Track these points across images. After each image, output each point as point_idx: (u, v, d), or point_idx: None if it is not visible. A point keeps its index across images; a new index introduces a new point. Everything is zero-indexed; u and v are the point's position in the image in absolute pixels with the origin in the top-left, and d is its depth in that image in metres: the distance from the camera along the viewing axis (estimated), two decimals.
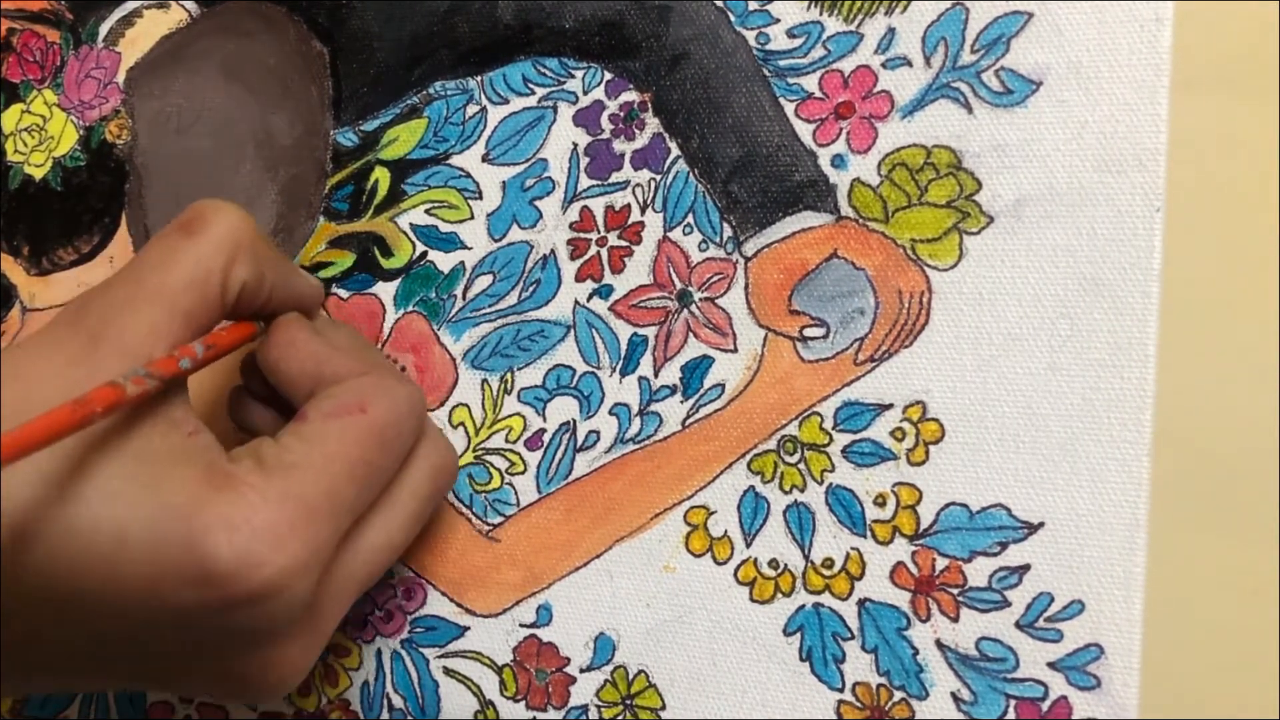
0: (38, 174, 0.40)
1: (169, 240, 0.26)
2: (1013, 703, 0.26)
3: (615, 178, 0.31)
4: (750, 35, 0.30)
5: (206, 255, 0.26)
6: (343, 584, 0.26)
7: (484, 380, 0.32)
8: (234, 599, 0.23)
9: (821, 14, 0.29)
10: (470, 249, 0.33)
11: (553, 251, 0.32)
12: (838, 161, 0.29)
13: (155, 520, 0.23)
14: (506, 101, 0.33)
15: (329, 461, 0.24)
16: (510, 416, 0.32)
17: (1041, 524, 0.26)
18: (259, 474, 0.24)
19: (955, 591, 0.27)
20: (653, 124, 0.31)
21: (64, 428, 0.21)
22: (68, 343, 0.24)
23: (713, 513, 0.29)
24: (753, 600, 0.29)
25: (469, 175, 0.33)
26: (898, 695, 0.27)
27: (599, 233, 0.31)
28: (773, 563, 0.28)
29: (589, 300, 0.31)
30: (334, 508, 0.24)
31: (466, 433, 0.32)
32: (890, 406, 0.28)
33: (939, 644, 0.27)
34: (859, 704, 0.27)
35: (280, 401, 0.29)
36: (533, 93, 0.33)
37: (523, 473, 0.31)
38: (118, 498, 0.23)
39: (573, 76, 0.32)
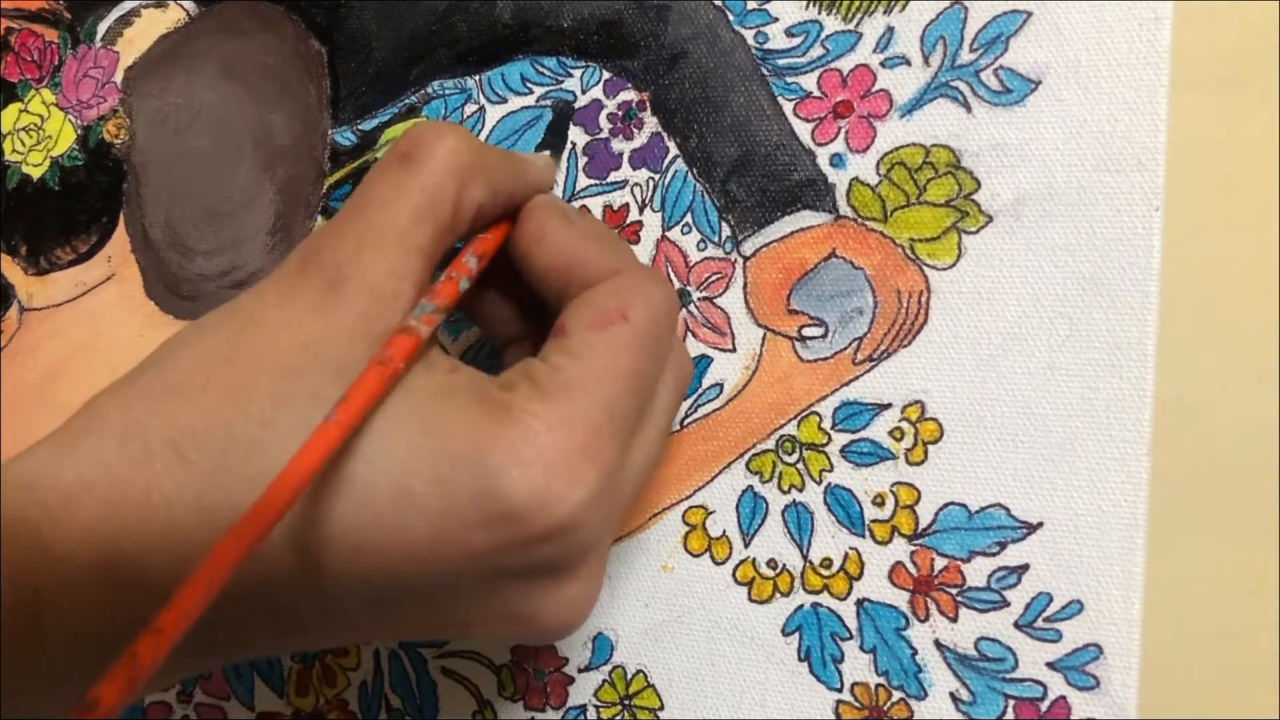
0: (35, 173, 0.40)
1: (390, 174, 0.24)
2: (1011, 703, 0.26)
3: (614, 177, 0.31)
4: (749, 34, 0.30)
5: (433, 185, 0.24)
6: (618, 507, 0.25)
7: None
8: (534, 537, 0.21)
9: (820, 13, 0.29)
10: None
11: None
12: (836, 160, 0.29)
13: (439, 467, 0.21)
14: (505, 101, 0.33)
15: (604, 376, 0.23)
16: None
17: (1040, 524, 0.26)
18: (539, 400, 0.22)
19: (954, 591, 0.27)
20: (651, 123, 0.31)
21: (379, 392, 0.20)
22: (302, 290, 0.23)
23: (711, 512, 0.29)
24: (751, 600, 0.28)
25: None
26: (896, 695, 0.27)
27: None
28: (771, 562, 0.28)
29: None
30: (617, 425, 0.23)
31: None
32: (889, 406, 0.28)
33: (938, 644, 0.27)
34: (857, 704, 0.27)
35: (520, 296, 0.28)
36: (531, 92, 0.33)
37: None
38: (393, 445, 0.21)
39: (571, 76, 0.32)
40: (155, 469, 0.21)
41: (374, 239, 0.23)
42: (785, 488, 0.28)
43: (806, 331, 0.29)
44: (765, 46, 0.30)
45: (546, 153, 0.31)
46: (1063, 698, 0.25)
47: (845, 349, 0.28)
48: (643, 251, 0.31)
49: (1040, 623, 0.26)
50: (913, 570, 0.27)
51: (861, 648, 0.27)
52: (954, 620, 0.26)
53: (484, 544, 0.21)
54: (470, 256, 0.25)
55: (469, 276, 0.24)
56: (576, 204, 0.31)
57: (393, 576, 0.22)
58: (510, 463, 0.21)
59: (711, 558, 0.29)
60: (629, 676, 0.30)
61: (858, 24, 0.29)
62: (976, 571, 0.26)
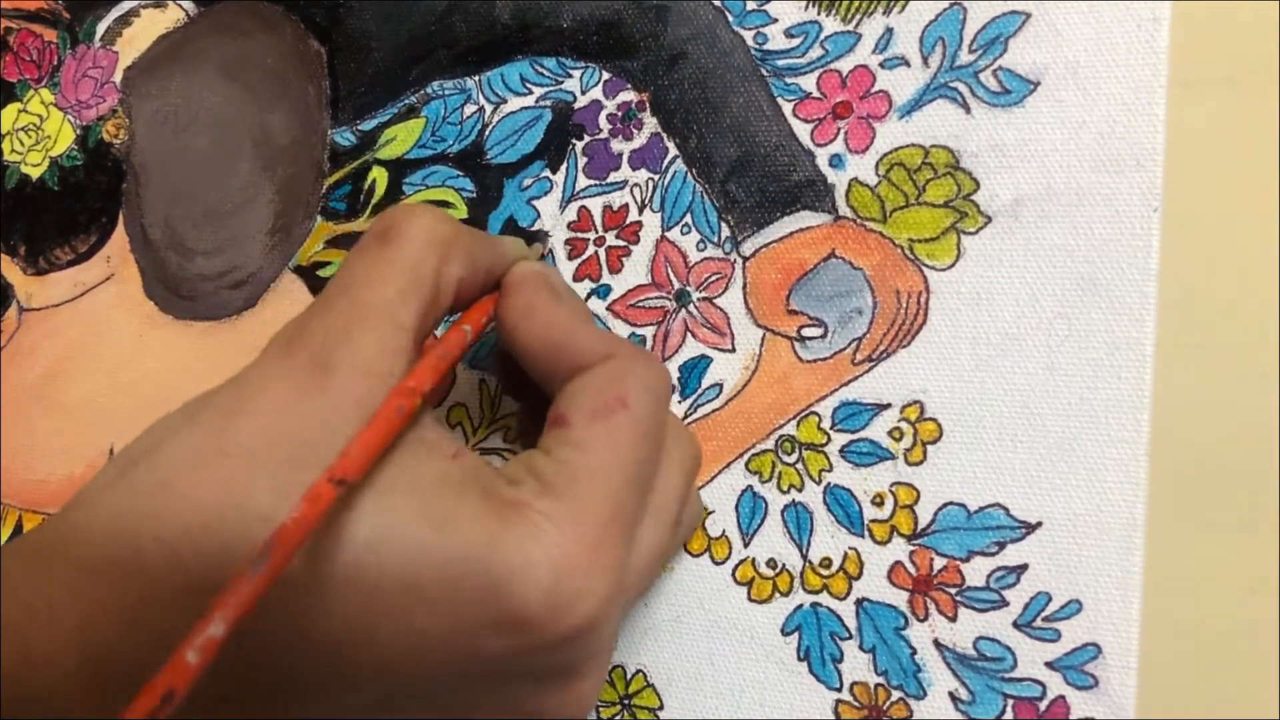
0: (35, 173, 0.40)
1: (370, 252, 0.24)
2: (1010, 702, 0.26)
3: (613, 177, 0.31)
4: (748, 35, 0.30)
5: (414, 261, 0.24)
6: (627, 602, 0.24)
7: (481, 380, 0.32)
8: (546, 643, 0.21)
9: (819, 14, 0.29)
10: None
11: (550, 251, 0.32)
12: (835, 161, 0.29)
13: (448, 563, 0.21)
14: (504, 101, 0.33)
15: (610, 469, 0.23)
16: (507, 416, 0.32)
17: (1039, 524, 0.26)
18: (545, 497, 0.22)
19: (953, 591, 0.27)
20: (650, 124, 0.31)
21: (381, 443, 0.20)
22: (292, 374, 0.22)
23: (711, 512, 0.29)
24: (750, 600, 0.28)
25: (467, 175, 0.33)
26: (895, 695, 0.27)
27: (597, 232, 0.31)
28: (770, 562, 0.28)
29: (587, 300, 0.31)
30: (623, 521, 0.23)
31: (464, 432, 0.32)
32: (888, 406, 0.28)
33: (937, 643, 0.27)
34: (857, 703, 0.27)
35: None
36: (530, 92, 0.33)
37: None
38: (400, 537, 0.21)
39: (570, 76, 0.32)
40: (148, 570, 0.20)
41: (360, 317, 0.23)
42: (784, 488, 0.28)
43: (806, 332, 0.29)
44: (765, 47, 0.30)
45: (524, 241, 0.30)
46: (1061, 697, 0.25)
47: (844, 349, 0.28)
48: (642, 251, 0.31)
49: (1039, 622, 0.26)
50: (912, 570, 0.27)
51: (861, 647, 0.27)
52: (953, 620, 0.27)
53: (495, 649, 0.21)
54: (466, 328, 0.25)
55: (455, 354, 0.24)
56: (576, 204, 0.32)
57: (403, 672, 0.21)
58: (521, 565, 0.21)
59: (711, 557, 0.29)
60: (628, 676, 0.30)
61: (857, 25, 0.29)
62: (975, 571, 0.26)
